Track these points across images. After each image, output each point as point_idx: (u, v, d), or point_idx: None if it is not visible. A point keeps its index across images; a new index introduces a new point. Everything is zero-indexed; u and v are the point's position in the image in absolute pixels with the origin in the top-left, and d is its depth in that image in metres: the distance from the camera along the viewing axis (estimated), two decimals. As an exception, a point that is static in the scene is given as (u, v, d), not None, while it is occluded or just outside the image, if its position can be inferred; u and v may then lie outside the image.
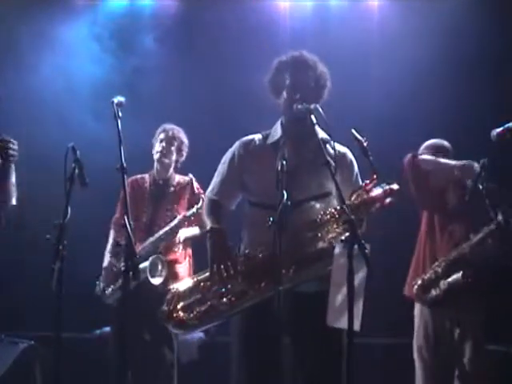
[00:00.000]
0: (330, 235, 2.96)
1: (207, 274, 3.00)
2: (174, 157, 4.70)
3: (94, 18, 6.28)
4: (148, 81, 6.08)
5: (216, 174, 3.30)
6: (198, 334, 5.51)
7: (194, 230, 4.67)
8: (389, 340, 4.81)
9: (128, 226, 2.92)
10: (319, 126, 2.98)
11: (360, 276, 2.72)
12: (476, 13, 5.75)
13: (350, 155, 3.21)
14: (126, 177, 3.06)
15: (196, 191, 4.50)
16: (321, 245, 2.95)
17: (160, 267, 4.46)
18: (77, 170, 3.14)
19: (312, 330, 2.83)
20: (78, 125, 5.78)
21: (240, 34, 6.08)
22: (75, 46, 6.21)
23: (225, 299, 2.94)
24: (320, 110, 2.97)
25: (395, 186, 2.96)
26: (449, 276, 4.01)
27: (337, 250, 2.79)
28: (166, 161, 4.68)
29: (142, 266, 4.35)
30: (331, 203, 3.06)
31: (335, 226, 2.96)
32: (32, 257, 5.44)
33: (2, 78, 5.95)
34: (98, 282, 4.56)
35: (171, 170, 4.75)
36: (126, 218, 2.95)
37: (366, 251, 2.63)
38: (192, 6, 6.37)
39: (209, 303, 2.95)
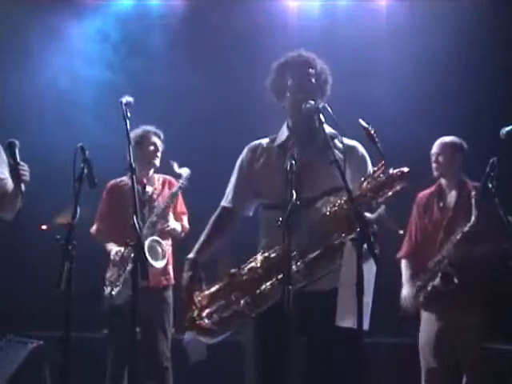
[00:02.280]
0: (341, 229, 2.89)
1: (228, 279, 3.01)
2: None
3: (101, 17, 6.29)
4: (155, 81, 6.09)
5: (229, 184, 3.31)
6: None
7: (176, 225, 4.71)
8: (393, 339, 4.80)
9: (137, 226, 2.91)
10: (327, 124, 2.96)
11: (369, 275, 2.71)
12: (484, 12, 5.74)
13: (360, 148, 3.17)
14: (135, 177, 3.06)
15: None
16: (333, 239, 2.90)
17: (159, 249, 4.47)
18: (86, 170, 3.14)
19: (326, 328, 2.80)
20: (83, 125, 5.78)
21: (247, 34, 6.08)
22: (82, 46, 6.23)
23: (244, 302, 2.93)
24: (328, 108, 2.97)
25: (405, 169, 2.88)
26: (434, 279, 4.10)
27: (346, 249, 2.78)
28: (157, 164, 4.67)
29: None
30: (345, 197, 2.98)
31: (345, 219, 2.89)
32: (40, 256, 5.45)
33: (8, 76, 5.99)
34: (104, 287, 4.51)
35: (152, 170, 4.74)
36: (134, 218, 2.94)
37: (376, 251, 2.62)
38: (199, 7, 6.37)
39: (232, 309, 2.96)
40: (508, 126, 3.60)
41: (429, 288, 4.11)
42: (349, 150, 3.09)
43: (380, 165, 2.88)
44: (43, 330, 5.20)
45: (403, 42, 5.90)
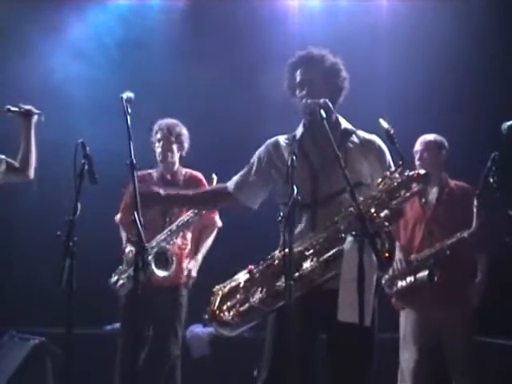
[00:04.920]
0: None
1: (247, 275, 3.04)
2: (176, 154, 4.67)
3: (103, 14, 6.28)
4: (156, 78, 6.07)
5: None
6: (210, 329, 5.50)
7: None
8: (393, 334, 4.81)
9: (138, 222, 2.91)
10: (328, 120, 2.94)
11: (370, 270, 2.71)
12: (485, 10, 5.72)
13: (378, 142, 3.16)
14: (135, 173, 3.05)
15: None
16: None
17: (167, 259, 4.44)
18: (86, 167, 3.14)
19: (344, 325, 2.79)
20: (82, 122, 5.77)
21: (248, 31, 6.07)
22: (82, 42, 6.21)
23: (260, 297, 2.95)
24: (329, 104, 2.97)
25: (422, 171, 2.87)
26: (416, 272, 4.22)
27: (347, 245, 2.77)
28: (169, 160, 4.65)
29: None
30: (362, 193, 2.97)
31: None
32: (42, 253, 5.45)
33: (7, 70, 5.99)
34: (112, 274, 4.51)
35: (177, 165, 4.72)
36: (135, 214, 2.94)
37: (377, 246, 2.61)
38: (200, 5, 6.36)
39: (250, 303, 2.98)
40: (509, 121, 3.60)
41: (408, 279, 4.23)
42: (366, 144, 3.14)
43: (398, 166, 2.86)
44: (45, 326, 5.22)
45: (404, 41, 5.90)
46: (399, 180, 2.84)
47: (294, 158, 2.79)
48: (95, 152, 3.27)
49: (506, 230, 3.73)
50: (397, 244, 4.38)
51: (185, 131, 4.70)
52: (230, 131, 5.89)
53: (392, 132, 2.81)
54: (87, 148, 3.20)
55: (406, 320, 4.35)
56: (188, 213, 4.51)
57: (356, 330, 2.66)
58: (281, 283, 2.88)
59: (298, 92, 3.15)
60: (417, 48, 5.83)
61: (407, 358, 4.29)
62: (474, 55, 5.72)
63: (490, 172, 3.72)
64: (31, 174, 4.29)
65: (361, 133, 3.18)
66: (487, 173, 3.73)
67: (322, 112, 2.90)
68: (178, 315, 4.53)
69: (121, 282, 4.45)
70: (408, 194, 2.84)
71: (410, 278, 4.24)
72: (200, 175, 4.71)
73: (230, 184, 3.29)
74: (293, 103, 3.23)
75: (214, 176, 4.55)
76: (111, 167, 4.63)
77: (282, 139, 3.26)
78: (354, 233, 2.71)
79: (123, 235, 4.68)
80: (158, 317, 4.37)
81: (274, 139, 3.29)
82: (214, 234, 4.79)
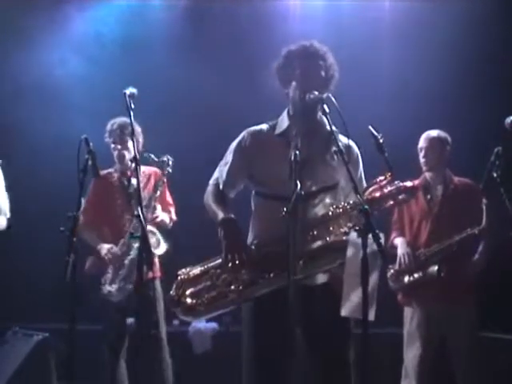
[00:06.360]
0: (342, 229, 2.93)
1: (218, 261, 2.98)
2: (132, 152, 4.49)
3: (103, 12, 6.27)
4: (156, 76, 6.07)
5: (223, 162, 3.23)
6: (212, 325, 5.52)
7: (164, 216, 4.67)
8: (396, 330, 4.82)
9: (142, 217, 2.91)
10: (331, 116, 2.94)
11: (374, 265, 2.71)
12: (487, 10, 5.72)
13: (356, 150, 3.17)
14: (139, 168, 3.06)
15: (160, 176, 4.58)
16: (332, 238, 2.92)
17: (153, 239, 4.42)
18: (90, 162, 3.14)
19: (320, 318, 2.86)
20: (78, 120, 5.76)
21: (249, 31, 6.06)
22: (81, 40, 6.20)
23: (233, 287, 2.93)
24: (333, 99, 2.95)
25: (408, 184, 2.93)
26: (425, 268, 4.22)
27: (351, 240, 2.78)
28: (126, 160, 4.61)
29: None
30: (338, 194, 3.04)
31: (347, 220, 2.93)
32: (45, 249, 5.46)
33: (7, 65, 5.99)
34: (101, 286, 4.46)
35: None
36: (139, 209, 2.94)
37: (380, 240, 2.62)
38: (201, 3, 6.35)
39: (218, 290, 2.95)
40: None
41: (416, 275, 4.23)
42: (347, 150, 3.04)
43: (387, 175, 2.89)
44: (48, 322, 5.23)
45: (406, 41, 5.90)
46: (389, 189, 2.90)
47: (298, 153, 2.79)
48: (95, 147, 3.28)
49: (510, 225, 3.73)
50: (403, 239, 4.41)
51: (137, 128, 4.57)
52: (231, 129, 5.85)
53: (381, 141, 2.80)
54: (91, 143, 3.20)
55: (411, 316, 4.34)
56: (148, 191, 4.52)
57: (332, 324, 2.72)
58: (259, 278, 2.89)
59: (295, 83, 3.07)
60: (418, 46, 5.83)
61: (412, 354, 4.29)
62: (475, 53, 5.72)
63: (493, 167, 3.71)
64: (2, 222, 4.27)
65: (340, 136, 3.11)
66: (491, 167, 3.73)
67: (325, 107, 2.89)
68: (158, 302, 4.50)
69: (115, 287, 4.43)
70: (392, 203, 2.93)
71: (418, 274, 4.24)
72: (157, 170, 4.66)
73: (221, 185, 3.19)
74: (278, 88, 3.16)
75: (149, 154, 4.54)
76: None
77: (264, 128, 3.20)
78: (357, 228, 2.72)
79: (90, 237, 4.58)
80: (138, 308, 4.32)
81: (254, 128, 3.22)
82: (171, 219, 4.75)
